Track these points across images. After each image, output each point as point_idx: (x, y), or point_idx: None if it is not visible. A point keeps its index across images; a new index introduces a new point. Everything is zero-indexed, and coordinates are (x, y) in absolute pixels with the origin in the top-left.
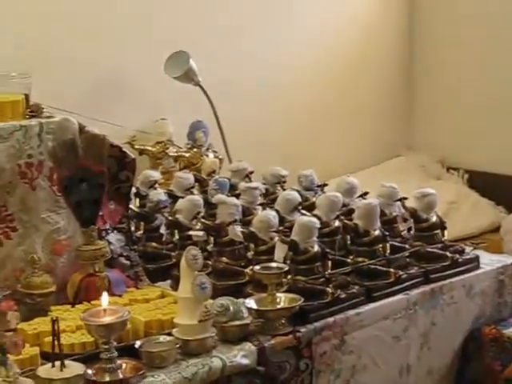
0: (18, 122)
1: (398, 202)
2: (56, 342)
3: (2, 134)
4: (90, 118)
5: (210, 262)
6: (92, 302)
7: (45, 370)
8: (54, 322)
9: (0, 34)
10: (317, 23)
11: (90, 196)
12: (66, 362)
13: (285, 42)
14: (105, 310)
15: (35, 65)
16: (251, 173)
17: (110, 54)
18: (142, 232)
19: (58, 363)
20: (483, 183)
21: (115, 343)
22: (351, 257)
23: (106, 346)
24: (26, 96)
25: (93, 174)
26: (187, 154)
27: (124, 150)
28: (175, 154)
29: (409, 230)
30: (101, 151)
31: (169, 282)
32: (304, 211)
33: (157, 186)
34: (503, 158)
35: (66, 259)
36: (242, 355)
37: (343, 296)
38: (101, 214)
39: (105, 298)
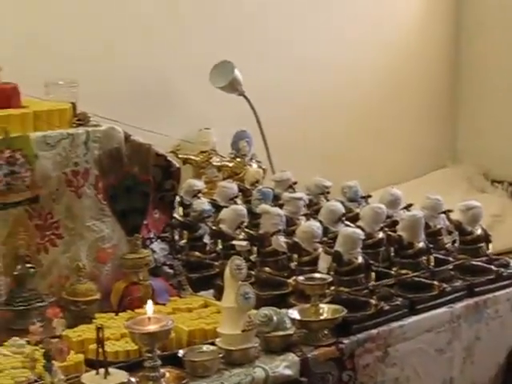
0: (65, 131)
1: (443, 215)
2: (100, 350)
3: (50, 142)
4: (135, 127)
5: (253, 272)
6: (136, 311)
7: (89, 377)
8: (99, 329)
9: (48, 43)
10: (360, 27)
11: (135, 205)
12: (110, 369)
13: (328, 49)
14: (149, 319)
15: (84, 73)
16: (295, 183)
17: (157, 64)
18: (185, 241)
19: (102, 370)
20: None
21: (159, 352)
22: (395, 269)
23: (150, 355)
24: (73, 104)
25: (138, 182)
26: (231, 164)
27: (169, 159)
28: (219, 164)
29: (453, 242)
30: (146, 160)
31: (211, 291)
32: (348, 222)
33: (200, 195)
34: None
35: (110, 267)
36: (284, 366)
37: (387, 308)
38: (145, 222)
39: (150, 306)
